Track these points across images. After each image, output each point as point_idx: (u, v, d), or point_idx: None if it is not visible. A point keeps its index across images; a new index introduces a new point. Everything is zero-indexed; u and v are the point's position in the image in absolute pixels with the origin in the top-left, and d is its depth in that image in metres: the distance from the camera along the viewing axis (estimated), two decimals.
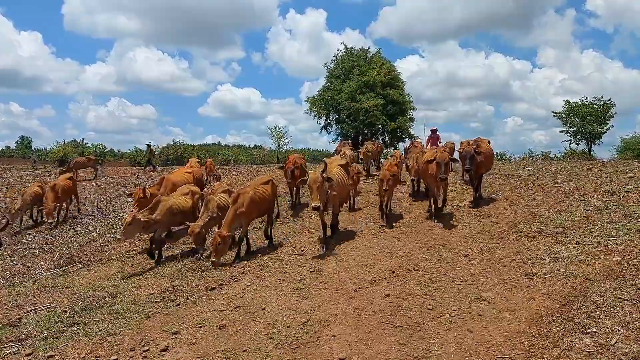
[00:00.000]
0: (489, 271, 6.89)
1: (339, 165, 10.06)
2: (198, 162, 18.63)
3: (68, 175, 15.88)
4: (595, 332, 4.82)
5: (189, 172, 13.59)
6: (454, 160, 10.51)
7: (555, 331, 4.94)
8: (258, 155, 46.76)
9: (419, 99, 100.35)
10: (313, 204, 8.21)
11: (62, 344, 5.67)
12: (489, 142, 12.89)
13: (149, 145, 27.94)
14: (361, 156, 18.46)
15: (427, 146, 16.94)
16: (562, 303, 5.48)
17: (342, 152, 16.70)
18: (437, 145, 17.03)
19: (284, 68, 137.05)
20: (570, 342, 4.72)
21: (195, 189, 11.04)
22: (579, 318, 5.12)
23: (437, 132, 17.50)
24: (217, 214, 9.56)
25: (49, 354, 5.36)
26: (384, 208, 11.10)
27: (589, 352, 4.52)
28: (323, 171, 8.58)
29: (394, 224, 10.49)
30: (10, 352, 5.53)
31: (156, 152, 29.67)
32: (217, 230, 9.05)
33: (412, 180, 13.86)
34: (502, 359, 4.56)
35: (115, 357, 5.17)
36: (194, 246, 9.25)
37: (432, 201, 10.89)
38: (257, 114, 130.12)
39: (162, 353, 5.19)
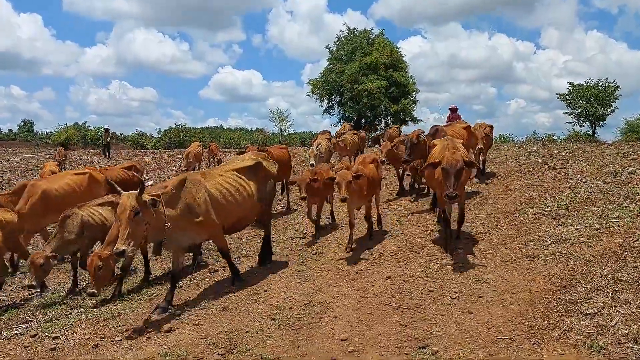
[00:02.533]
0: (490, 253, 6.91)
1: (234, 170, 6.76)
2: (199, 145, 18.52)
3: (55, 163, 15.72)
4: (596, 313, 4.85)
5: (77, 180, 8.96)
6: (471, 165, 6.74)
7: (556, 312, 4.98)
8: (260, 138, 46.70)
9: (421, 80, 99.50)
10: (115, 249, 5.18)
11: (66, 326, 5.75)
12: (472, 126, 11.15)
13: (106, 130, 25.77)
14: (334, 150, 14.60)
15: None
16: (563, 285, 5.51)
17: (316, 142, 13.66)
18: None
19: (285, 50, 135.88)
20: (571, 323, 4.76)
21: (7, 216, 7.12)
22: (579, 299, 5.15)
23: (458, 112, 15.75)
24: (75, 235, 6.94)
25: (53, 335, 5.43)
26: (351, 230, 7.82)
27: (589, 333, 4.56)
28: (141, 191, 5.37)
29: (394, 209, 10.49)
30: (16, 334, 5.60)
31: (113, 137, 27.48)
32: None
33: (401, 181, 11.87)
34: (502, 339, 4.60)
35: (119, 338, 5.24)
36: (33, 283, 6.55)
37: (442, 217, 7.62)
38: (259, 97, 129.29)
39: (166, 334, 5.25)
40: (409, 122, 37.06)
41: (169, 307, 5.94)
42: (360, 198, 7.63)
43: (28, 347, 5.19)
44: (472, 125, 11.72)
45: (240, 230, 7.44)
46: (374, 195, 8.47)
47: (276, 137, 46.28)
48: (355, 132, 17.94)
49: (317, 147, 13.15)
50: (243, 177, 6.76)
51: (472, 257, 6.84)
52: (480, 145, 11.13)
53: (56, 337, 5.38)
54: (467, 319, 5.04)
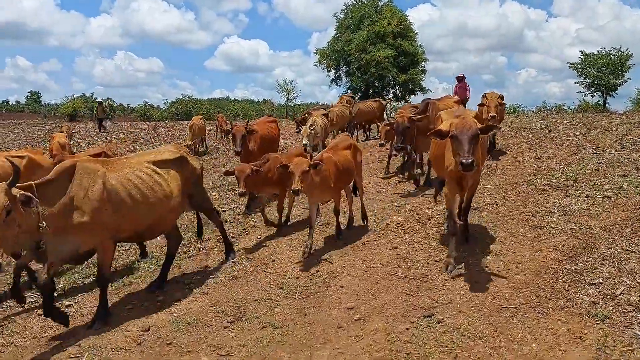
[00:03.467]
0: (497, 224, 6.92)
1: (150, 162, 5.41)
2: (201, 118, 18.06)
3: (65, 135, 15.37)
4: (601, 283, 4.88)
5: None
6: (491, 128, 5.39)
7: (561, 282, 5.01)
8: (267, 109, 46.45)
9: (430, 50, 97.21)
10: None
11: (79, 294, 5.88)
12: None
13: (100, 104, 24.84)
14: (302, 133, 11.90)
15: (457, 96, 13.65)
16: (569, 255, 5.53)
17: (310, 120, 12.31)
18: (467, 97, 14.65)
19: (292, 19, 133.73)
20: (576, 292, 4.79)
21: None
22: (585, 270, 5.17)
23: (465, 80, 14.95)
24: None
25: (66, 303, 5.56)
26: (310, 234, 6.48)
27: (593, 302, 4.59)
28: (12, 182, 4.18)
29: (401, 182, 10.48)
30: (30, 302, 5.73)
31: (105, 111, 25.92)
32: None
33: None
34: (507, 308, 4.65)
35: (130, 307, 5.36)
36: None
37: (449, 220, 5.83)
38: (265, 67, 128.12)
39: (176, 303, 5.36)
40: (418, 92, 36.61)
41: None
42: (324, 191, 6.48)
43: (42, 314, 5.32)
44: (484, 95, 11.07)
45: (154, 238, 6.12)
46: (351, 186, 7.48)
47: (283, 108, 46.02)
48: (347, 104, 16.47)
49: (311, 125, 11.83)
50: (161, 172, 5.41)
51: (479, 228, 6.85)
52: (493, 113, 10.09)
53: (69, 305, 5.51)
54: (472, 289, 5.09)
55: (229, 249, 6.77)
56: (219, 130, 20.01)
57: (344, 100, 18.31)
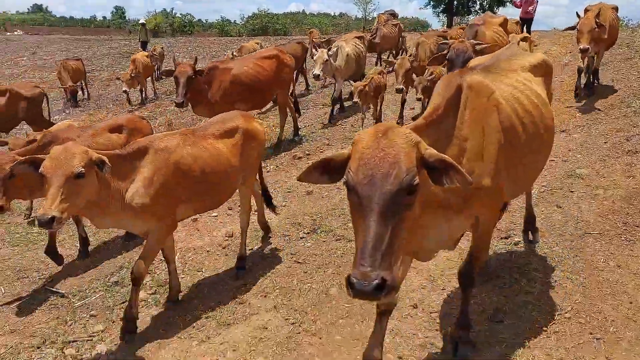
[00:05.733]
0: (587, 147, 6.50)
1: None
2: (258, 43, 16.18)
3: (147, 54, 15.21)
4: None
5: None
6: (465, 180, 2.13)
7: None
8: (343, 23, 45.07)
9: None
10: None
11: None
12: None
13: (143, 25, 22.32)
14: (315, 59, 8.75)
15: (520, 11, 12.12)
16: None
17: (334, 45, 9.16)
18: (534, 9, 12.70)
19: None
20: None
21: None
22: None
23: None
24: None
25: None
26: None
27: None
28: None
29: None
30: None
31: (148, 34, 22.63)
32: None
33: None
34: (590, 234, 4.48)
35: (215, 214, 5.71)
36: None
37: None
38: None
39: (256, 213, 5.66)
40: (507, 2, 33.70)
41: None
42: (136, 217, 3.45)
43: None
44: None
45: None
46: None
47: (360, 22, 44.45)
48: (361, 34, 10.97)
49: (333, 50, 8.80)
50: None
51: (567, 150, 6.48)
52: (585, 45, 7.25)
53: None
54: (554, 213, 4.93)
55: None
56: (313, 51, 15.50)
57: (381, 20, 14.16)
